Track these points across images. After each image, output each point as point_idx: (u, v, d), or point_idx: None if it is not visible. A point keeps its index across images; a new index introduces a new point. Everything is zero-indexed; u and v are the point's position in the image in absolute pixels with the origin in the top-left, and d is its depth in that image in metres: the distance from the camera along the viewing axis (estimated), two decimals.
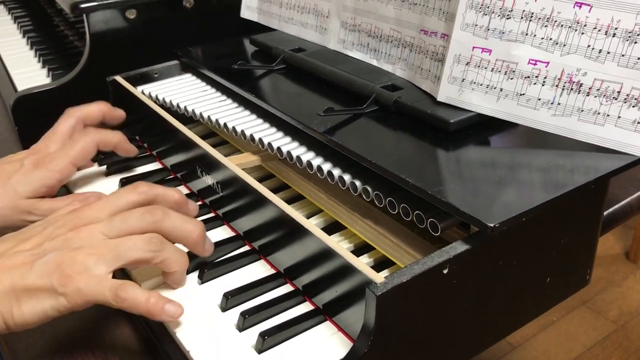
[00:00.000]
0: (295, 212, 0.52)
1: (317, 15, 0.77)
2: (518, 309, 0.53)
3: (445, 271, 0.45)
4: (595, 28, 0.51)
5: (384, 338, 0.43)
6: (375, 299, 0.41)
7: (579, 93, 0.52)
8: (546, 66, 0.53)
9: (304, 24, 0.79)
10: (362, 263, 0.45)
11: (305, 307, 0.52)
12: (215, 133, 0.78)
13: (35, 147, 0.64)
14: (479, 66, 0.56)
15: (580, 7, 0.51)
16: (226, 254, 0.58)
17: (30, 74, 1.00)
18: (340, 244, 0.48)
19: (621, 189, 0.72)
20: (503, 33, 0.55)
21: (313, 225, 0.50)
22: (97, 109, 0.70)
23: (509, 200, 0.47)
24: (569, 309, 1.60)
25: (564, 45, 0.52)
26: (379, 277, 0.43)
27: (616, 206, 0.70)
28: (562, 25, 0.52)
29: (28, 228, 0.51)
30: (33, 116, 0.85)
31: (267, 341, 0.47)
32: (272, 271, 0.56)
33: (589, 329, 1.55)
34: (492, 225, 0.44)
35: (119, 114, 0.72)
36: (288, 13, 0.82)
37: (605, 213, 0.67)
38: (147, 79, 0.81)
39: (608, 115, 0.52)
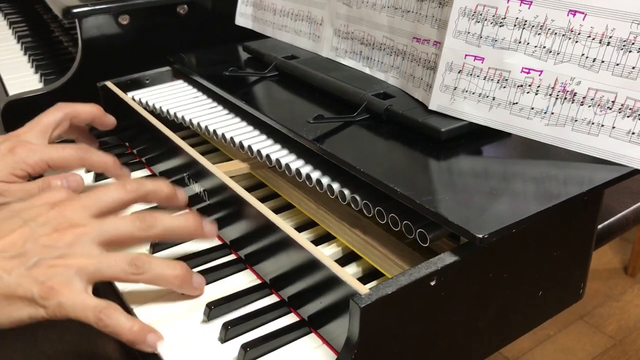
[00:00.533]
0: (282, 221, 0.51)
1: (311, 22, 0.76)
2: (510, 324, 0.52)
3: (432, 283, 0.43)
4: (589, 36, 0.50)
5: (368, 351, 0.42)
6: (359, 311, 0.40)
7: (572, 102, 0.51)
8: (539, 75, 0.52)
9: (297, 32, 0.79)
10: (347, 274, 0.44)
11: (290, 319, 0.50)
12: (205, 141, 0.76)
13: (14, 132, 0.62)
14: (471, 74, 0.55)
15: (574, 15, 0.50)
16: (211, 263, 0.56)
17: (23, 79, 0.99)
18: (326, 255, 0.47)
19: (617, 202, 0.71)
20: (496, 41, 0.54)
21: (299, 234, 0.49)
22: (89, 110, 0.68)
23: (499, 211, 0.46)
24: (567, 323, 1.58)
25: (558, 53, 0.51)
26: (364, 288, 0.42)
27: (612, 219, 0.69)
28: (555, 34, 0.51)
29: (4, 218, 0.49)
30: (23, 121, 0.84)
31: (249, 353, 0.46)
32: (258, 281, 0.54)
33: (586, 344, 1.53)
34: (480, 236, 0.43)
35: (110, 120, 0.71)
36: (282, 20, 0.81)
37: (601, 225, 0.66)
38: (138, 84, 0.80)
39: (602, 126, 0.50)
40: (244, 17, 0.89)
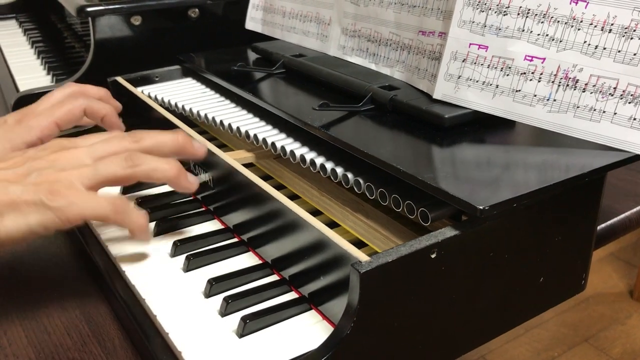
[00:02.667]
0: (283, 196, 0.51)
1: (319, 23, 0.78)
2: (510, 308, 0.52)
3: (433, 255, 0.43)
4: (591, 24, 0.51)
5: (367, 320, 0.41)
6: (358, 276, 0.40)
7: (574, 89, 0.52)
8: (542, 62, 0.53)
9: (305, 32, 0.80)
10: (348, 244, 0.44)
11: (290, 296, 0.50)
12: (213, 137, 0.77)
13: (24, 108, 0.63)
14: (475, 63, 0.56)
15: (576, 3, 0.51)
16: (213, 245, 0.57)
17: (35, 79, 1.01)
18: (326, 227, 0.47)
19: (621, 204, 0.71)
20: (500, 29, 0.55)
21: (299, 207, 0.49)
22: (96, 91, 0.69)
23: (501, 187, 0.47)
24: (571, 345, 1.56)
25: (560, 41, 0.52)
26: (365, 256, 0.42)
27: (615, 219, 0.69)
28: (558, 22, 0.52)
29: (7, 155, 0.51)
30: None
31: (248, 325, 0.46)
32: (260, 262, 0.54)
33: None
34: (481, 207, 0.43)
35: (116, 103, 0.72)
36: (290, 22, 0.83)
37: (604, 225, 0.66)
38: (147, 81, 0.82)
39: (604, 112, 0.51)
40: (253, 21, 0.90)
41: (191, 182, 0.54)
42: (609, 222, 0.67)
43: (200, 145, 0.56)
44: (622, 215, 0.70)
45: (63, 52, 1.13)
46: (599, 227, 0.64)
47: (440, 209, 0.48)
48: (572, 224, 0.53)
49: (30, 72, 1.04)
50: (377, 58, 0.69)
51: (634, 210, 0.71)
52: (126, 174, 0.50)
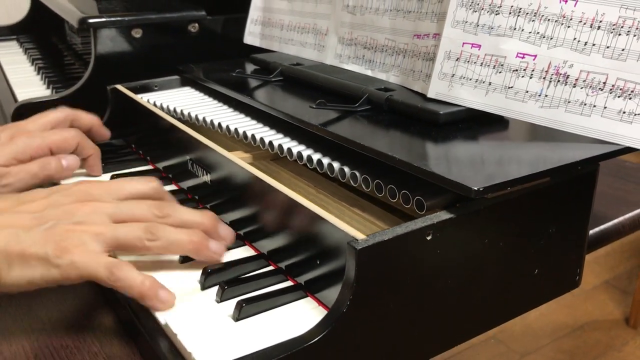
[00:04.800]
0: (280, 185, 0.52)
1: (316, 33, 0.79)
2: (505, 299, 0.52)
3: (428, 237, 0.44)
4: (580, 21, 0.53)
5: (364, 298, 0.42)
6: (355, 253, 0.41)
7: (565, 85, 0.53)
8: (534, 59, 0.54)
9: (303, 44, 0.82)
10: (344, 224, 0.44)
11: (286, 285, 0.50)
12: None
13: (15, 123, 0.64)
14: (468, 61, 0.57)
15: (566, 2, 0.53)
16: None
17: (35, 93, 1.02)
18: (323, 210, 0.47)
19: (614, 210, 0.72)
20: (492, 28, 0.56)
21: (293, 192, 0.50)
22: (89, 118, 0.71)
23: (496, 172, 0.47)
24: None
25: (551, 38, 0.54)
26: (362, 235, 0.43)
27: (609, 224, 0.69)
28: (549, 20, 0.54)
29: (33, 191, 0.51)
30: None
31: (244, 309, 0.46)
32: (256, 254, 0.55)
33: None
34: (476, 188, 0.44)
35: (105, 132, 0.73)
36: (288, 34, 0.84)
37: (597, 229, 0.67)
38: (146, 89, 0.83)
39: (594, 106, 0.52)
40: (252, 36, 0.92)
41: (215, 251, 0.51)
42: (601, 227, 0.68)
43: (228, 231, 0.54)
44: (615, 221, 0.70)
45: (62, 69, 1.14)
46: (591, 232, 0.65)
47: (436, 198, 0.49)
48: (566, 216, 0.53)
49: (30, 86, 1.05)
50: (373, 64, 0.70)
51: (627, 216, 0.72)
52: (143, 246, 0.48)
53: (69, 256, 0.45)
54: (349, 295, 0.41)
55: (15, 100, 0.97)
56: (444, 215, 0.45)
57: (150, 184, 0.54)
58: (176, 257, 0.54)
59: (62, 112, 0.68)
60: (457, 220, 0.45)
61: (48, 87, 1.04)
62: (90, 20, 0.87)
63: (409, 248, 0.43)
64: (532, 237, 0.51)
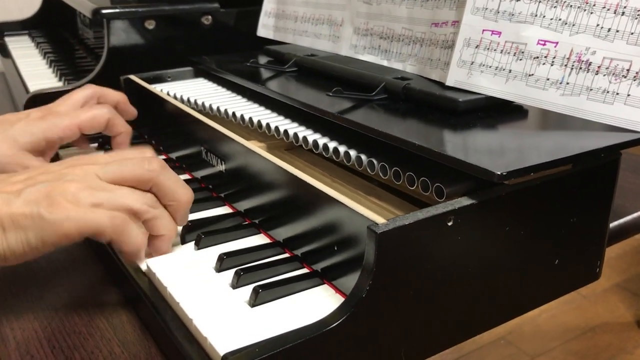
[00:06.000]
0: (298, 171, 0.51)
1: (331, 24, 0.79)
2: (525, 289, 0.51)
3: (449, 223, 0.43)
4: (604, 7, 0.52)
5: (383, 283, 0.41)
6: (375, 237, 0.40)
7: (587, 72, 0.52)
8: (555, 46, 0.54)
9: (317, 35, 0.81)
10: (364, 208, 0.44)
11: (303, 272, 0.50)
12: None
13: (45, 106, 0.64)
14: (488, 48, 0.57)
15: None
16: (224, 226, 0.56)
17: (47, 85, 1.02)
18: (343, 196, 0.46)
19: (633, 203, 0.71)
20: (513, 15, 0.55)
21: (313, 179, 0.49)
22: (115, 94, 0.70)
23: (518, 158, 0.47)
24: None
25: (573, 25, 0.53)
26: (382, 219, 0.42)
27: (628, 217, 0.68)
28: (571, 6, 0.53)
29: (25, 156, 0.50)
30: None
31: (260, 295, 0.45)
32: (271, 241, 0.54)
33: None
34: (499, 173, 0.43)
35: (132, 109, 0.73)
36: (302, 26, 0.84)
37: (615, 223, 0.66)
38: (160, 80, 0.83)
39: (617, 94, 0.51)
40: (265, 28, 0.92)
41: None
42: (620, 221, 0.67)
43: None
44: (635, 215, 0.69)
45: (74, 62, 1.14)
46: (610, 225, 0.64)
47: (455, 185, 0.48)
48: (587, 206, 0.52)
49: (42, 79, 1.05)
50: (389, 54, 0.70)
51: None
52: (139, 210, 0.48)
53: (64, 212, 0.44)
54: (369, 280, 0.40)
55: (27, 92, 0.97)
56: (465, 201, 0.44)
57: (145, 167, 0.50)
58: (191, 244, 0.54)
59: (89, 89, 0.68)
60: (479, 206, 0.44)
61: (60, 80, 1.04)
62: (104, 11, 0.87)
63: (429, 233, 0.42)
64: (552, 226, 0.50)
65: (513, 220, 0.47)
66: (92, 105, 0.67)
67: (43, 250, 0.45)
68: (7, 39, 1.36)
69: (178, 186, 0.51)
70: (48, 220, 0.43)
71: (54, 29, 1.40)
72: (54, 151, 0.61)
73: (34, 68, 1.12)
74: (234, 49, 0.95)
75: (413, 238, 0.42)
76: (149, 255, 0.51)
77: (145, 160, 0.49)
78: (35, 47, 1.30)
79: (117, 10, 0.87)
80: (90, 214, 0.44)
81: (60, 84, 1.02)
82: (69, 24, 1.32)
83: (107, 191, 0.46)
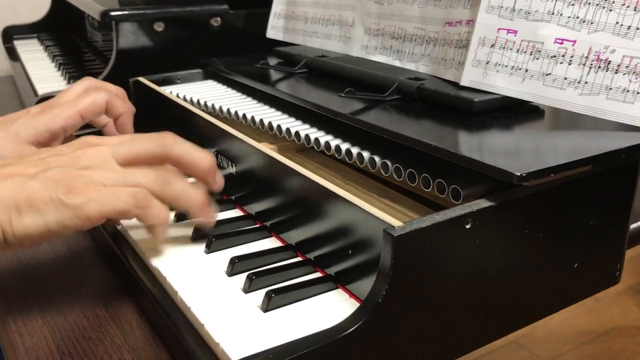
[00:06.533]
0: (312, 174, 0.50)
1: (342, 25, 0.78)
2: (543, 293, 0.50)
3: (467, 226, 0.42)
4: (623, 4, 0.50)
5: (400, 288, 0.40)
6: (392, 240, 0.39)
7: (607, 71, 0.51)
8: (573, 45, 0.52)
9: (327, 36, 0.80)
10: (379, 211, 0.43)
11: (316, 276, 0.49)
12: None
13: (46, 101, 0.63)
14: (504, 48, 0.55)
15: None
16: (235, 230, 0.55)
17: (55, 88, 1.01)
18: (357, 198, 0.45)
19: None
20: (529, 13, 0.54)
21: (327, 182, 0.48)
22: (114, 88, 0.69)
23: (537, 159, 0.45)
24: None
25: (592, 23, 0.52)
26: (399, 222, 0.41)
27: None
28: (589, 3, 0.52)
29: (30, 149, 0.49)
30: None
31: (273, 300, 0.44)
32: (283, 245, 0.53)
33: None
34: (519, 174, 0.42)
35: (131, 106, 0.71)
36: (313, 27, 0.83)
37: (636, 225, 0.64)
38: (169, 82, 0.82)
39: (638, 93, 0.50)
40: (275, 30, 0.91)
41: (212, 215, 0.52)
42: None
43: (221, 178, 0.54)
44: None
45: (83, 65, 1.14)
46: (630, 227, 0.63)
47: (472, 187, 0.47)
48: (607, 208, 0.51)
49: (50, 82, 1.05)
50: (402, 54, 0.69)
51: None
52: (157, 189, 0.47)
53: (84, 195, 0.43)
54: (385, 284, 0.39)
55: (36, 94, 0.97)
56: (483, 203, 0.43)
57: (158, 142, 0.50)
58: (201, 245, 0.53)
59: (86, 81, 0.67)
60: (498, 208, 0.43)
61: (68, 83, 1.03)
62: (112, 13, 0.86)
63: (447, 236, 0.41)
64: (572, 228, 0.49)
65: (532, 222, 0.46)
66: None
67: (62, 235, 0.44)
68: (16, 43, 1.36)
69: (195, 154, 0.51)
70: (69, 205, 0.43)
71: (62, 32, 1.40)
72: (58, 142, 0.60)
73: (43, 71, 1.12)
74: (243, 50, 0.94)
75: (430, 241, 0.41)
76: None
77: (156, 136, 0.49)
78: (44, 50, 1.30)
79: (125, 12, 0.87)
80: (111, 194, 0.44)
81: (68, 86, 1.02)
82: (78, 27, 1.32)
83: (121, 172, 0.46)
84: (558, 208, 0.47)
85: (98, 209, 0.43)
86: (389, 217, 0.41)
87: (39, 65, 1.17)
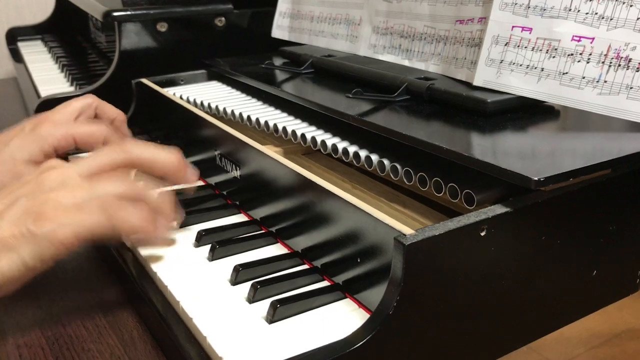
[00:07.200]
0: (321, 180, 0.48)
1: (349, 24, 0.76)
2: (561, 302, 0.47)
3: (482, 233, 0.40)
4: None
5: (412, 298, 0.38)
6: (403, 249, 0.37)
7: (627, 69, 0.49)
8: (591, 42, 0.50)
9: (334, 35, 0.78)
10: (390, 218, 0.41)
11: (323, 285, 0.47)
12: None
13: (41, 114, 0.61)
14: (518, 46, 0.53)
15: None
16: (240, 235, 0.54)
17: (58, 90, 1.00)
18: (367, 205, 0.43)
19: None
20: (544, 10, 0.52)
21: (338, 189, 0.46)
22: (114, 110, 0.67)
23: (555, 163, 0.43)
24: None
25: (611, 19, 0.49)
26: (410, 230, 0.39)
27: None
28: None
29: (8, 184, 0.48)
30: None
31: (279, 311, 0.42)
32: (289, 252, 0.51)
33: None
34: (536, 179, 0.39)
35: (127, 131, 0.69)
36: (319, 26, 0.81)
37: None
38: (172, 83, 0.80)
39: None
40: (280, 29, 0.89)
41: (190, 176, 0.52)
42: None
43: (194, 173, 0.53)
44: None
45: (86, 67, 1.12)
46: None
47: (486, 191, 0.45)
48: (626, 213, 0.49)
49: (54, 84, 1.03)
50: (411, 53, 0.67)
51: None
52: (127, 193, 0.45)
53: (52, 222, 0.41)
54: (396, 295, 0.37)
55: (39, 97, 0.95)
56: (499, 209, 0.41)
57: (117, 150, 0.49)
58: (204, 252, 0.51)
59: (88, 98, 0.65)
60: (514, 214, 0.41)
61: (72, 84, 1.02)
62: (115, 14, 0.85)
63: (461, 244, 0.39)
64: (590, 234, 0.47)
65: (549, 229, 0.44)
66: (88, 115, 0.64)
67: (42, 268, 0.42)
68: (20, 44, 1.34)
69: (158, 154, 0.50)
70: (40, 235, 0.41)
71: (66, 33, 1.38)
72: (52, 158, 0.58)
73: (46, 73, 1.10)
74: (248, 50, 0.92)
75: (443, 249, 0.39)
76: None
77: (116, 145, 0.49)
78: (47, 51, 1.28)
79: (128, 12, 0.85)
80: (81, 215, 0.42)
81: (71, 88, 1.00)
82: (82, 28, 1.30)
83: (88, 187, 0.44)
84: (576, 213, 0.45)
85: (71, 232, 0.41)
86: (399, 224, 0.39)
87: (43, 66, 1.15)
